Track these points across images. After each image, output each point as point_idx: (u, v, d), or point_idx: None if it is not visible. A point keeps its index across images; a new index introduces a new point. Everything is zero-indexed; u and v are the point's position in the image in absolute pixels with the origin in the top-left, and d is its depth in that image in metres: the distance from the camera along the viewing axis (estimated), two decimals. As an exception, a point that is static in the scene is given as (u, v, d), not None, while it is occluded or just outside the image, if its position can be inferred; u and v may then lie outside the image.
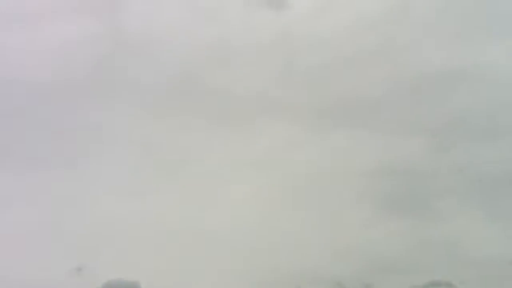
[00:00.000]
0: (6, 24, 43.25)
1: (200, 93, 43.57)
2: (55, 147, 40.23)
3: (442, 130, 42.32)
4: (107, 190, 38.93)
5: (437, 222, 38.09)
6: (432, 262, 36.10)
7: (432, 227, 37.88)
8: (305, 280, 35.02)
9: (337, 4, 46.83)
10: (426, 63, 44.62)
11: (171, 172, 40.62)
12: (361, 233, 37.82)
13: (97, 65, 43.71)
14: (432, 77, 43.97)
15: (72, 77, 43.08)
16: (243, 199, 40.09)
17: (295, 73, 45.23)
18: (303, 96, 44.28)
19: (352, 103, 43.26)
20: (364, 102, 43.52)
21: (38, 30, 44.04)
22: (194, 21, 46.73)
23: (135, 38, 45.15)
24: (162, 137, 42.08)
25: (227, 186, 40.16)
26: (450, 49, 45.64)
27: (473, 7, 45.82)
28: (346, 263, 35.99)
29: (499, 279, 34.31)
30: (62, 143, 40.64)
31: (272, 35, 45.63)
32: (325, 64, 44.27)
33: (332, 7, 46.54)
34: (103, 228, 37.13)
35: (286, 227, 37.89)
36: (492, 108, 42.43)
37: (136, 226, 38.03)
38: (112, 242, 36.71)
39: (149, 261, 35.32)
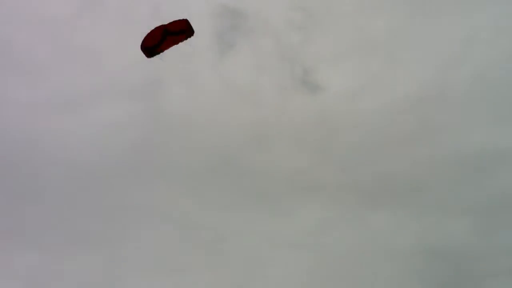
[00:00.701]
0: (57, 109, 45.21)
1: (238, 173, 44.02)
2: (97, 226, 40.84)
3: (486, 210, 41.19)
4: (146, 268, 39.07)
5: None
6: None
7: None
8: None
9: (372, 86, 47.63)
10: (465, 143, 44.28)
11: (209, 251, 40.43)
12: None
13: (139, 146, 44.82)
14: (472, 157, 43.45)
15: (114, 158, 44.15)
16: (280, 281, 39.25)
17: (332, 153, 45.49)
18: (340, 176, 44.22)
19: (391, 183, 42.88)
20: (404, 182, 43.12)
21: (85, 114, 45.87)
22: (231, 104, 48.04)
23: (175, 120, 46.46)
24: (201, 217, 42.18)
25: (264, 266, 39.53)
26: (488, 129, 45.36)
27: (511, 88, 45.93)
28: None
29: None
30: (104, 222, 41.23)
31: (309, 116, 46.46)
32: (363, 144, 44.49)
33: (367, 89, 47.38)
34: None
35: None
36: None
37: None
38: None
39: None
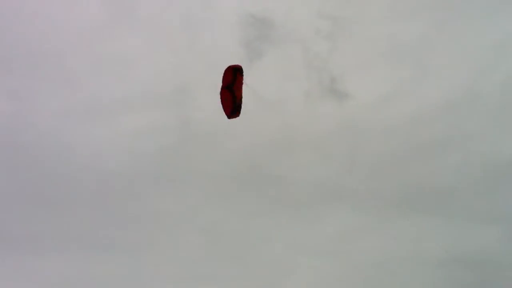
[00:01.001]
0: (88, 117, 46.16)
1: (264, 181, 44.08)
2: (124, 233, 41.38)
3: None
4: (174, 276, 39.32)
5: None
6: None
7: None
8: None
9: (401, 93, 47.23)
10: (495, 150, 43.52)
11: (235, 259, 40.50)
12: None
13: (167, 154, 45.37)
14: (501, 165, 42.69)
15: (143, 166, 44.78)
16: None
17: (359, 161, 45.20)
18: (368, 183, 43.86)
19: (418, 190, 42.33)
20: (433, 190, 42.46)
21: (115, 122, 46.72)
22: (257, 112, 48.14)
23: (203, 128, 46.87)
24: (227, 224, 42.41)
25: (291, 274, 39.43)
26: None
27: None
28: None
29: None
30: (131, 229, 41.77)
31: (336, 124, 46.32)
32: (391, 152, 44.14)
33: (396, 96, 46.99)
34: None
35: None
36: None
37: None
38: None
39: None
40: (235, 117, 28.73)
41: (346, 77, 47.26)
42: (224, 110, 28.88)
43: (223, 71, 30.37)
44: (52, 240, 39.77)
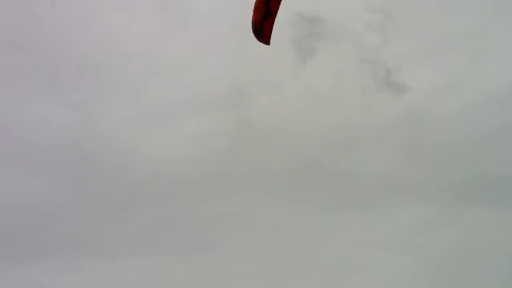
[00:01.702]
0: (150, 124, 47.26)
1: (327, 177, 44.20)
2: (189, 233, 42.28)
3: None
4: (242, 274, 39.87)
5: None
6: None
7: None
8: None
9: (461, 83, 46.58)
10: None
11: (301, 256, 40.79)
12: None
13: (227, 155, 46.07)
14: None
15: (204, 168, 45.57)
16: (377, 284, 38.93)
17: (423, 152, 44.74)
18: (433, 175, 43.39)
19: (487, 180, 41.63)
20: (500, 178, 41.70)
21: (175, 127, 47.71)
22: (316, 109, 48.41)
23: (261, 128, 47.40)
24: (292, 221, 42.67)
25: (360, 270, 39.38)
26: None
27: None
28: None
29: None
30: (201, 230, 42.62)
31: (395, 116, 46.05)
32: (455, 141, 43.49)
33: (455, 86, 46.36)
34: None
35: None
36: None
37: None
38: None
39: None
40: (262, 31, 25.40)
41: (401, 69, 46.96)
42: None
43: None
44: (125, 245, 40.94)
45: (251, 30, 23.92)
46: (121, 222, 42.47)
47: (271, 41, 24.22)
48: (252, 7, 23.43)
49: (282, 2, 23.53)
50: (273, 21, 23.75)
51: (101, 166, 44.24)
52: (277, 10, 23.65)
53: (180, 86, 48.55)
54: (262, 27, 23.60)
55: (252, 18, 23.75)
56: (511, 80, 44.74)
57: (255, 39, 25.31)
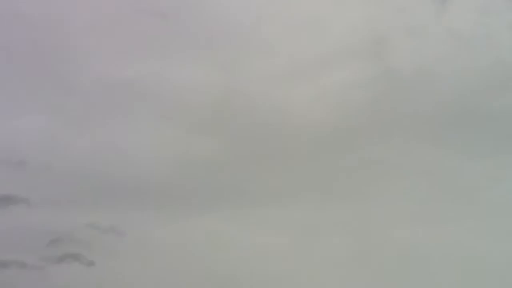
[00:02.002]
0: (290, 79, 48.17)
1: (481, 118, 43.01)
2: (345, 183, 43.23)
3: None
4: (400, 219, 40.49)
5: None
6: None
7: None
8: None
9: None
10: None
11: (462, 199, 40.43)
12: None
13: (374, 103, 46.05)
14: None
15: (352, 117, 45.97)
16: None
17: None
18: None
19: None
20: None
21: (315, 80, 48.31)
22: (461, 50, 46.88)
23: (406, 74, 46.77)
24: (447, 165, 42.26)
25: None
26: None
27: None
28: None
29: None
30: (350, 178, 43.44)
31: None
32: None
33: None
34: (400, 256, 38.62)
35: None
36: None
37: (434, 255, 38.72)
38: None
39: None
40: None
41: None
42: None
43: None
44: (287, 192, 42.79)
45: None
46: (274, 173, 44.25)
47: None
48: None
49: None
50: None
51: (247, 121, 46.05)
52: None
53: (317, 39, 48.97)
54: None
55: None
56: None
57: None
